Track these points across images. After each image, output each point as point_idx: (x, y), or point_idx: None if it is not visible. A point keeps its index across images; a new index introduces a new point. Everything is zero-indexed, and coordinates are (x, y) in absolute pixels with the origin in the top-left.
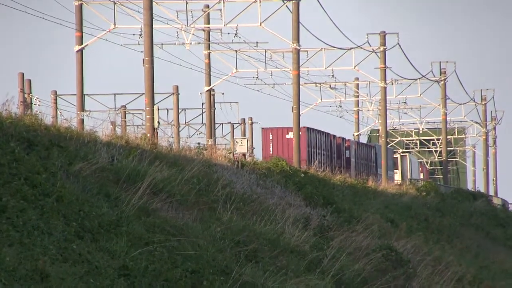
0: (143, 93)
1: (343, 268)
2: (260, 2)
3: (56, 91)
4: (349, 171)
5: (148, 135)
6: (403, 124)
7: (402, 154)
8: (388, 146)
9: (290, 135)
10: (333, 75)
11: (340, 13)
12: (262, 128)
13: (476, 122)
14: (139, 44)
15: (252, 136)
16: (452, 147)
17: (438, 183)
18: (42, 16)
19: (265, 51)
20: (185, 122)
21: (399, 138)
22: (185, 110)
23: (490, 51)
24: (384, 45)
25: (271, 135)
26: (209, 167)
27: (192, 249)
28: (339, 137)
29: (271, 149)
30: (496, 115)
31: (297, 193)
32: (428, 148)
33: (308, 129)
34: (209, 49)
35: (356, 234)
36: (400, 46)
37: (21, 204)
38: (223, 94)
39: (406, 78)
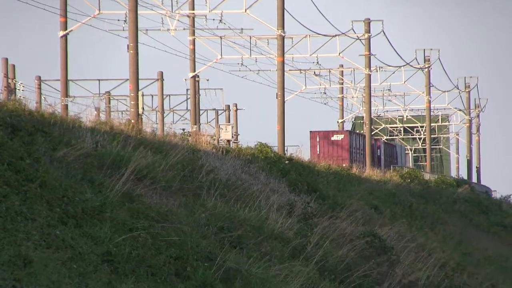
0: (128, 79)
1: (327, 254)
2: None
3: (40, 77)
4: (380, 166)
5: (133, 121)
6: (387, 111)
7: (406, 152)
8: (372, 133)
9: (335, 137)
10: (317, 62)
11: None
12: (310, 131)
13: (460, 110)
14: (123, 30)
15: (237, 122)
16: (435, 135)
17: (422, 170)
18: (26, 1)
19: (250, 38)
20: (170, 108)
21: (383, 125)
22: (169, 96)
23: (474, 39)
24: (369, 32)
25: (318, 138)
26: (194, 153)
27: (176, 235)
28: (374, 138)
29: (318, 149)
30: (480, 103)
31: (282, 180)
32: (412, 135)
33: (350, 132)
34: (194, 35)
35: (340, 221)
36: (384, 33)
37: (4, 189)
38: (207, 80)
39: (390, 66)
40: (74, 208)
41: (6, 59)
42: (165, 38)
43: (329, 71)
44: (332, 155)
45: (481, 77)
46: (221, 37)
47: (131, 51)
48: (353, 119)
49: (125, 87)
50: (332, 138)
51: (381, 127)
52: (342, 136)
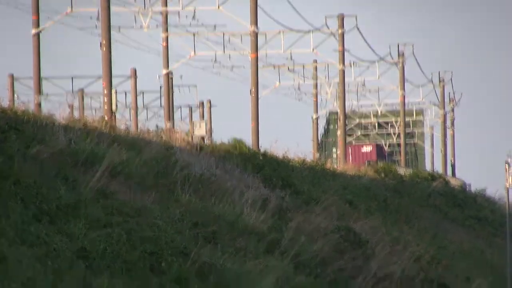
0: (101, 76)
1: (302, 249)
2: None
3: (13, 75)
4: None
5: (106, 118)
6: (361, 106)
7: None
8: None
9: (364, 149)
10: (291, 58)
11: None
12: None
13: (434, 104)
14: (96, 27)
15: (211, 119)
16: (410, 129)
17: (397, 164)
18: None
19: (223, 34)
20: (143, 105)
21: (358, 120)
22: (143, 93)
23: (448, 33)
24: (343, 27)
25: (350, 149)
26: (168, 150)
27: (150, 230)
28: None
29: (350, 159)
30: (454, 97)
31: (256, 175)
32: (386, 130)
33: (377, 145)
34: (167, 32)
35: (314, 216)
36: (358, 28)
37: None
38: (181, 77)
39: (364, 61)
40: (49, 205)
41: None
42: (138, 35)
43: (303, 67)
44: (363, 162)
45: (455, 72)
46: (194, 34)
47: (104, 49)
48: (328, 115)
49: (98, 85)
50: (362, 150)
51: (356, 122)
52: (371, 147)
